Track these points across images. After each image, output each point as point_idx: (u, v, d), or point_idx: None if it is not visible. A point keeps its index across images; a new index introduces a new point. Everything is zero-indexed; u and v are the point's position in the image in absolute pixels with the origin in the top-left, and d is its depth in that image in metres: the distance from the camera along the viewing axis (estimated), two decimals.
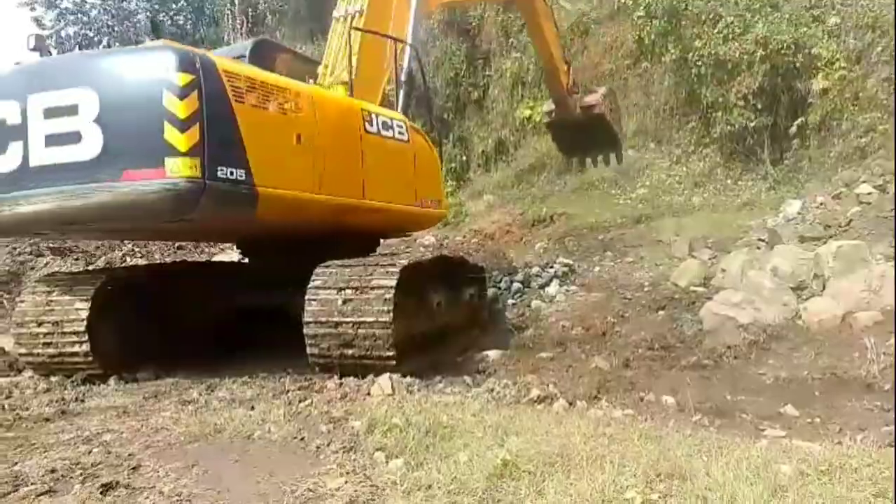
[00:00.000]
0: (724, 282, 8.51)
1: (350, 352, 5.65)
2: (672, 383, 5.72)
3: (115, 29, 25.45)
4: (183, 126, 4.92)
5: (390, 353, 5.58)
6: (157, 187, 4.94)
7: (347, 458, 3.77)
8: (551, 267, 10.03)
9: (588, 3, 17.15)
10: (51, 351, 6.30)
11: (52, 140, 5.18)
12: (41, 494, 3.55)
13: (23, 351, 6.48)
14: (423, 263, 6.71)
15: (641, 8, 14.28)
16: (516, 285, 9.56)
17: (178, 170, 4.91)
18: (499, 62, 17.77)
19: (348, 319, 5.64)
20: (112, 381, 6.24)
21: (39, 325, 6.32)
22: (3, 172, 5.36)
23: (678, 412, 4.94)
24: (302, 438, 4.13)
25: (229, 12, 23.29)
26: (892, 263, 7.44)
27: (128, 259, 12.23)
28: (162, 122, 4.92)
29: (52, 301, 6.40)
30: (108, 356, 6.37)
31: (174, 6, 26.34)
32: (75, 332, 6.19)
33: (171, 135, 4.91)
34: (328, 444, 3.99)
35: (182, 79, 4.96)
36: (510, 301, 9.25)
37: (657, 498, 3.10)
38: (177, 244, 12.64)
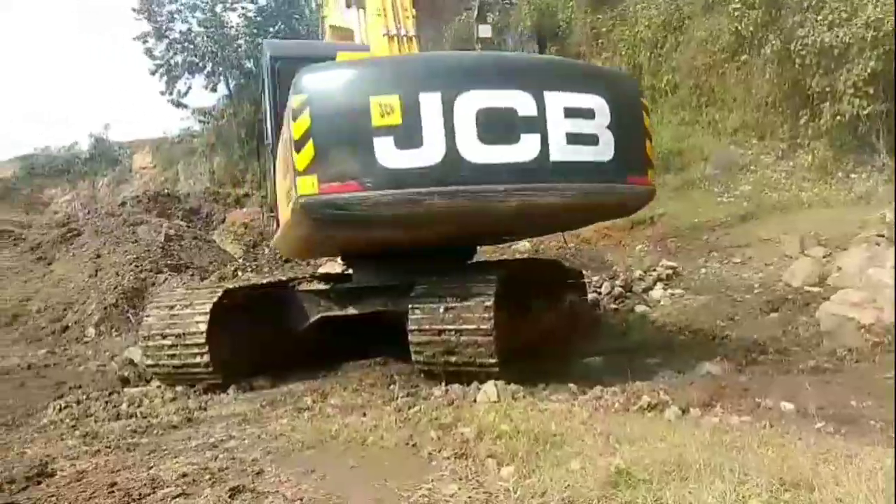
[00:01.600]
0: (842, 281, 8.07)
1: (453, 359, 5.74)
2: (790, 388, 5.45)
3: (219, 55, 26.82)
4: (650, 141, 6.14)
5: (493, 361, 5.62)
6: (643, 191, 6.02)
7: (459, 465, 3.82)
8: (654, 270, 9.80)
9: None
10: (175, 362, 6.70)
11: (573, 139, 5.58)
12: (176, 497, 3.79)
13: (150, 362, 6.93)
14: (520, 270, 6.71)
15: (737, 0, 13.77)
16: (618, 289, 9.40)
17: (651, 178, 6.09)
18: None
19: (450, 328, 5.72)
20: (231, 390, 6.59)
21: (164, 337, 6.74)
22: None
23: (799, 418, 4.70)
24: (414, 444, 4.22)
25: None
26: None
27: (239, 273, 12.85)
28: (644, 139, 6.02)
29: (174, 315, 6.82)
30: (226, 366, 6.73)
31: (272, 29, 27.49)
32: (196, 344, 6.57)
33: (650, 149, 6.10)
34: (440, 451, 4.05)
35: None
36: (612, 306, 9.10)
37: None
38: (284, 258, 13.16)
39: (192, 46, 27.71)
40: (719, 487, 3.19)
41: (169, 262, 12.76)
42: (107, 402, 6.25)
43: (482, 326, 5.60)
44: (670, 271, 9.79)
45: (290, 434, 4.78)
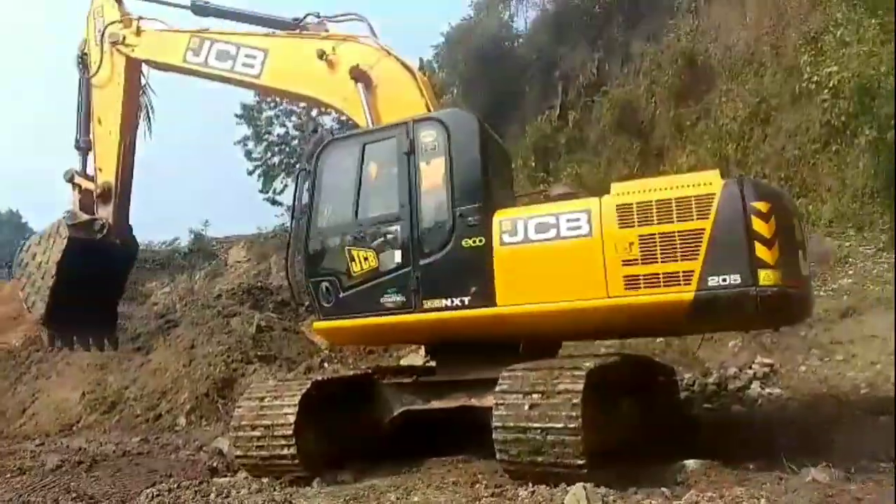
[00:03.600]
0: None
1: (539, 459, 5.58)
2: None
3: None
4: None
5: (580, 462, 5.44)
6: None
7: None
8: (749, 367, 9.37)
9: (766, 90, 16.63)
10: (263, 453, 6.80)
11: None
12: None
13: (239, 453, 7.06)
14: (610, 365, 6.56)
15: (826, 91, 13.57)
16: (711, 387, 9.01)
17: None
18: (673, 156, 17.55)
19: (536, 425, 5.60)
20: (315, 483, 6.61)
21: (253, 428, 6.89)
22: None
23: None
24: None
25: None
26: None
27: (325, 364, 13.08)
28: None
29: (264, 406, 6.98)
30: (311, 458, 6.78)
31: None
32: (284, 436, 6.68)
33: None
34: None
35: None
36: (706, 405, 8.71)
37: None
38: (367, 349, 13.33)
39: (288, 149, 29.50)
40: None
41: (259, 352, 13.15)
42: (196, 492, 6.38)
43: (570, 425, 5.47)
44: (767, 369, 9.33)
45: None
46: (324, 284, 7.43)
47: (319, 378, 7.87)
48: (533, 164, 20.82)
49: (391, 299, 7.04)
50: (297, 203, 7.99)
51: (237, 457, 7.19)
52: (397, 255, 7.06)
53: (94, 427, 11.86)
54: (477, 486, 5.87)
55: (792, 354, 9.94)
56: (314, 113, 29.27)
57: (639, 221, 6.11)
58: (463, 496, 5.56)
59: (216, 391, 12.22)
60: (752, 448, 6.89)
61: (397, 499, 5.69)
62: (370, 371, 8.33)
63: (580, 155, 20.50)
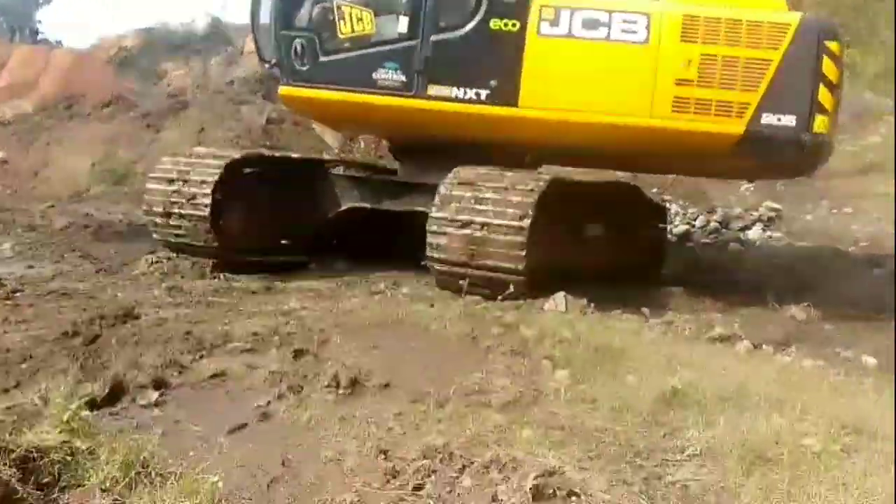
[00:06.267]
0: None
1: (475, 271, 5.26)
2: (877, 346, 5.14)
3: None
4: None
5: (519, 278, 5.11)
6: None
7: (515, 362, 3.85)
8: (756, 210, 9.31)
9: None
10: (178, 232, 6.37)
11: None
12: (244, 351, 4.03)
13: (156, 236, 6.74)
14: (582, 184, 6.19)
15: None
16: (713, 224, 9.01)
17: None
18: None
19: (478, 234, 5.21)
20: (313, 265, 6.84)
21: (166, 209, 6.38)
22: None
23: (880, 374, 4.45)
24: (474, 337, 4.27)
25: None
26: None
27: None
28: None
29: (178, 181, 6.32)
30: (232, 241, 6.50)
31: None
32: (199, 217, 6.18)
33: None
34: (498, 346, 4.09)
35: None
36: (704, 241, 8.76)
37: (839, 449, 2.85)
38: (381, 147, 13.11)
39: None
40: (776, 421, 3.09)
41: (268, 143, 13.10)
42: (194, 264, 6.57)
43: (516, 238, 5.07)
44: (773, 213, 9.27)
45: (360, 312, 4.94)
46: (299, 42, 6.23)
47: (238, 155, 6.81)
48: None
49: (387, 77, 5.99)
50: None
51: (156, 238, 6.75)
52: (402, 23, 5.96)
53: (102, 197, 12.08)
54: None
55: (801, 203, 9.85)
56: None
57: (704, 38, 5.42)
58: (448, 293, 5.65)
59: None
60: (740, 283, 7.03)
61: (386, 287, 5.90)
62: (323, 158, 7.67)
63: None
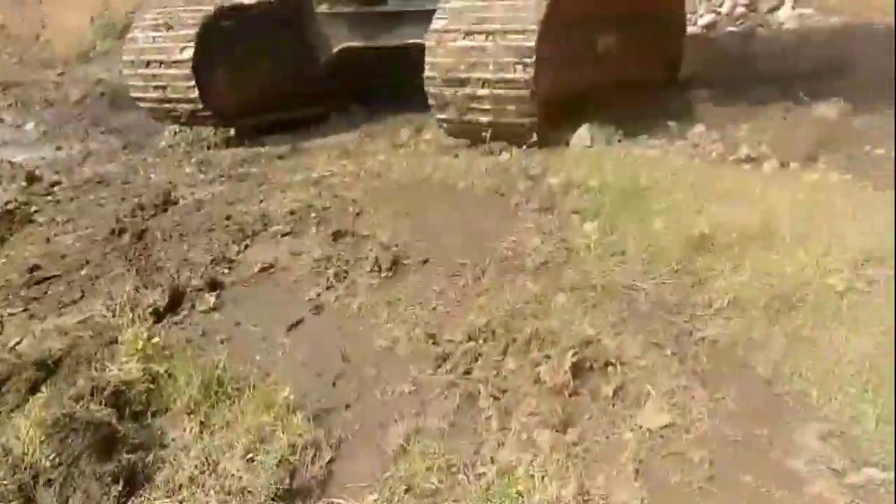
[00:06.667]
0: None
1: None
2: None
3: None
4: None
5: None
6: None
7: (545, 218, 3.96)
8: None
9: None
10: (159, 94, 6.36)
11: None
12: (286, 234, 4.19)
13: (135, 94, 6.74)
14: None
15: None
16: (740, 9, 8.49)
17: None
18: None
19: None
20: (333, 117, 6.81)
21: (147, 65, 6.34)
22: None
23: None
24: (502, 194, 4.35)
25: None
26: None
27: None
28: None
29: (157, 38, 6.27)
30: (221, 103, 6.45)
31: None
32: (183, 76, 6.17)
33: None
34: (527, 202, 4.17)
35: None
36: (730, 28, 8.31)
37: (863, 286, 2.99)
38: None
39: None
40: (802, 258, 3.20)
41: None
42: (216, 131, 6.60)
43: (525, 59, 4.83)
44: None
45: (387, 174, 5.00)
46: None
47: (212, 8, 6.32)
48: None
49: None
50: None
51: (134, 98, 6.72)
52: None
53: (109, 55, 11.76)
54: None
55: None
56: None
57: None
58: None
59: None
60: (767, 74, 6.76)
61: (409, 137, 5.89)
62: None
63: None
